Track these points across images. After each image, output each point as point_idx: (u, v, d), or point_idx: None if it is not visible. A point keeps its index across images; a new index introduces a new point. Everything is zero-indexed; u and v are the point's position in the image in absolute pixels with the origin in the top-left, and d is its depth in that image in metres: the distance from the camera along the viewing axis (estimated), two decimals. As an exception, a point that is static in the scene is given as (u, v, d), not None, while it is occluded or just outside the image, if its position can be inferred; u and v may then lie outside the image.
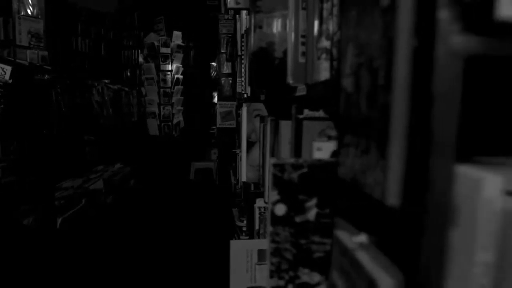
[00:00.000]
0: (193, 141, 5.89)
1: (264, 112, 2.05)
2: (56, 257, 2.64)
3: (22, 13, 5.14)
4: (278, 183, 0.70)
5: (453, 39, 0.37)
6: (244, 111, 2.12)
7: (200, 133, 6.12)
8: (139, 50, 5.95)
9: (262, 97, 1.95)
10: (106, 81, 4.69)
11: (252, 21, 1.22)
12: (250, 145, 2.20)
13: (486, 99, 0.45)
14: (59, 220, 2.97)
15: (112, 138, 4.67)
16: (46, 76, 3.02)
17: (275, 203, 0.71)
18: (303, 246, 0.72)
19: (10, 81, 2.69)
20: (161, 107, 5.52)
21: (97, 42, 6.23)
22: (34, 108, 2.86)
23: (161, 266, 2.60)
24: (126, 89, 5.01)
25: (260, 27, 1.20)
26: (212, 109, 6.15)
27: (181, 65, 5.73)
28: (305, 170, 0.70)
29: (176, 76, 5.63)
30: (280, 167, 0.70)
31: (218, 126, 4.56)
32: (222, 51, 4.28)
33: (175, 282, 2.42)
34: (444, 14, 0.37)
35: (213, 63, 6.19)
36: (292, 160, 0.71)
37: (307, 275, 0.73)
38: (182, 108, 5.81)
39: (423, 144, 0.39)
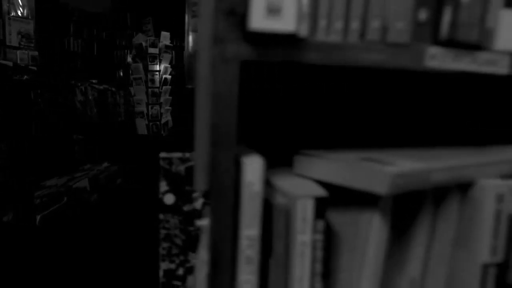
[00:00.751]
0: (183, 140, 5.95)
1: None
2: (34, 250, 2.72)
3: (13, 14, 5.20)
4: (167, 175, 0.77)
5: (228, 47, 0.44)
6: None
7: (190, 132, 6.17)
8: (130, 50, 6.03)
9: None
10: (94, 81, 4.76)
11: (189, 25, 1.29)
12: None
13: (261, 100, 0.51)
14: (38, 217, 3.05)
15: (99, 137, 4.75)
16: (25, 77, 3.09)
17: (164, 193, 0.77)
18: (191, 233, 0.78)
19: (-11, 81, 2.76)
20: (149, 106, 5.59)
21: (90, 42, 6.32)
22: (11, 108, 2.94)
23: (137, 259, 2.67)
24: (113, 89, 5.08)
25: (196, 31, 1.26)
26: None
27: (169, 66, 5.80)
28: (191, 163, 0.77)
29: (164, 76, 5.70)
30: (168, 160, 0.77)
31: (205, 125, 4.60)
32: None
33: (148, 275, 2.49)
34: (220, 25, 0.44)
35: (203, 63, 6.22)
36: (179, 154, 0.77)
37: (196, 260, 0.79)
38: (170, 108, 5.88)
39: (213, 137, 0.46)
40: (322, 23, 0.46)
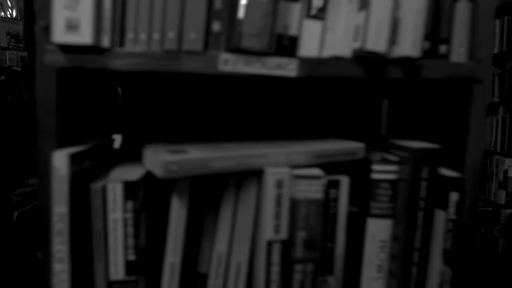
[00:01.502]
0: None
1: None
2: (9, 244, 2.83)
3: (2, 15, 5.29)
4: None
5: (46, 56, 0.53)
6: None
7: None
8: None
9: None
10: (80, 81, 4.86)
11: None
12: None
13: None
14: (15, 214, 3.16)
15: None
16: (2, 77, 3.19)
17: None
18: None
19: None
20: (136, 106, 5.72)
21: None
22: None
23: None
24: (98, 88, 5.20)
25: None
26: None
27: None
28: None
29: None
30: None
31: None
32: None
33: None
34: (40, 38, 0.53)
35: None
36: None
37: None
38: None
39: (39, 133, 0.55)
40: (130, 35, 0.55)
